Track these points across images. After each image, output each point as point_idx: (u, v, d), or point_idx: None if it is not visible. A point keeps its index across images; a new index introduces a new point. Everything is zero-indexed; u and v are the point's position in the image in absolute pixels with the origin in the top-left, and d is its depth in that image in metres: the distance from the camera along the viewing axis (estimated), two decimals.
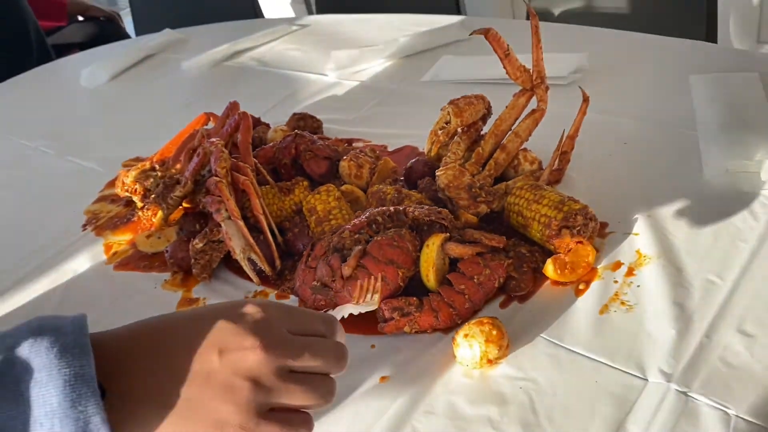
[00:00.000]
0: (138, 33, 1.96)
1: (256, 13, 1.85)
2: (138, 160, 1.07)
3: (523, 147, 0.78)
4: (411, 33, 1.23)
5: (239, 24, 1.58)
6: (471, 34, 0.72)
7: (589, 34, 1.12)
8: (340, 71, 1.17)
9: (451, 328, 0.63)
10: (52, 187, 1.09)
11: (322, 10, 1.74)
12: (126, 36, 2.34)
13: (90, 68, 1.43)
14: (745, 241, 0.64)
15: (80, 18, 2.30)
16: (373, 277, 0.62)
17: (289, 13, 3.26)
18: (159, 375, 0.38)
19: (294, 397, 0.40)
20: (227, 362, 0.39)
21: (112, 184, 1.03)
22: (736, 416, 0.50)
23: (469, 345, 0.58)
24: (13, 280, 0.87)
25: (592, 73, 0.98)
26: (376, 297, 0.60)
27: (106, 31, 2.29)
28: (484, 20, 1.25)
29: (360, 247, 0.65)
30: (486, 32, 0.71)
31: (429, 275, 0.64)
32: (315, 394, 0.41)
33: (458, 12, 1.55)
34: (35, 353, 0.35)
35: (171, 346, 0.39)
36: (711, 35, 1.35)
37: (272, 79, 1.24)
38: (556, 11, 1.50)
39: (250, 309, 0.40)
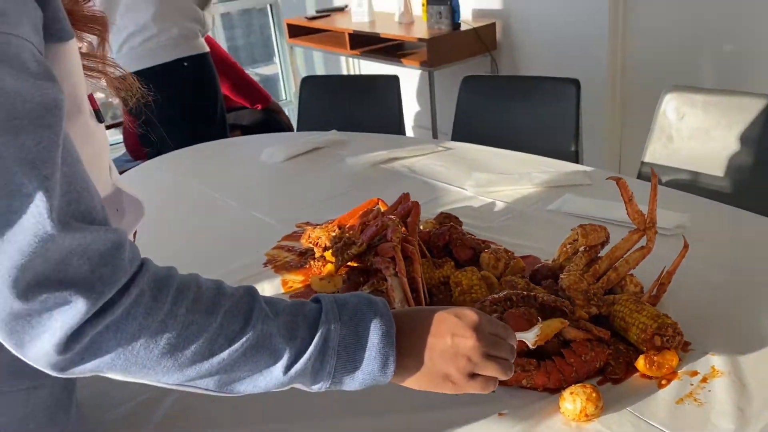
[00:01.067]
0: (299, 129, 2.32)
1: (400, 130, 2.18)
2: (308, 224, 1.34)
3: (630, 273, 0.99)
4: (540, 170, 1.49)
5: (390, 137, 1.90)
6: (607, 179, 0.95)
7: (694, 201, 1.33)
8: (478, 188, 1.43)
9: (557, 389, 0.82)
10: (237, 231, 1.37)
11: (455, 139, 2.04)
12: (284, 130, 2.76)
13: (270, 149, 1.76)
14: None
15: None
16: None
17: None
18: (416, 343, 0.65)
19: (490, 369, 0.66)
20: (454, 343, 0.65)
21: (288, 237, 1.30)
22: None
23: (572, 400, 0.77)
24: None
25: (691, 231, 1.18)
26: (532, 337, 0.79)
27: (270, 121, 2.71)
28: (605, 172, 1.49)
29: (497, 314, 0.87)
30: (618, 180, 0.94)
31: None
32: (501, 369, 0.67)
33: (577, 160, 1.81)
34: (370, 312, 0.64)
35: (424, 326, 0.65)
36: None
37: (419, 185, 1.51)
38: (665, 179, 1.73)
39: (471, 314, 0.66)
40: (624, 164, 3.01)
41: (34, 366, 0.53)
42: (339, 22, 3.69)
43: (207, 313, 0.58)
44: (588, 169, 1.50)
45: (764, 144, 1.59)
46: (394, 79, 2.20)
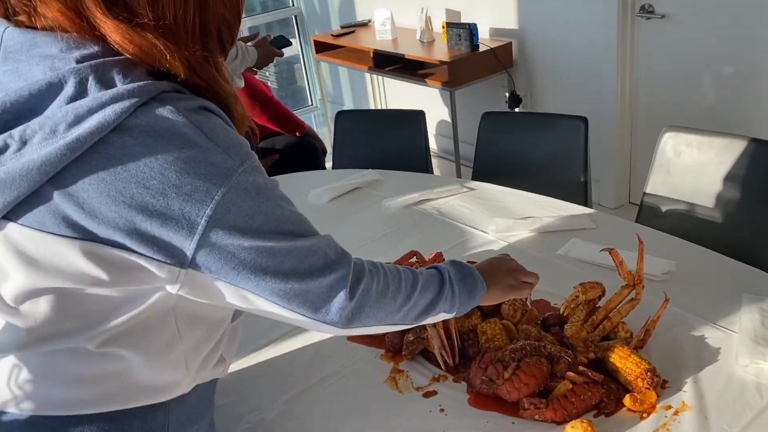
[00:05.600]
0: (335, 160, 2.57)
1: (427, 162, 2.43)
2: None
3: (622, 321, 1.24)
4: (551, 214, 1.73)
5: (421, 176, 2.14)
6: (601, 251, 1.20)
7: (682, 247, 1.56)
8: (498, 233, 1.67)
9: (561, 422, 1.07)
10: None
11: (476, 177, 2.28)
12: (317, 156, 3.01)
13: (317, 190, 2.01)
14: (751, 410, 1.06)
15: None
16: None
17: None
18: (490, 274, 1.11)
19: (530, 278, 1.16)
20: (508, 268, 1.16)
21: None
22: None
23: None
24: (270, 339, 1.39)
25: (677, 276, 1.42)
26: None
27: (305, 145, 2.97)
28: (606, 216, 1.73)
29: (515, 363, 1.12)
30: (610, 250, 1.19)
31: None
32: (534, 280, 1.17)
33: (586, 203, 2.05)
34: (459, 264, 1.07)
35: (491, 266, 1.15)
36: None
37: (447, 228, 1.76)
38: (665, 208, 1.96)
39: (511, 258, 1.19)
40: (633, 191, 3.24)
41: (328, 327, 0.86)
42: (363, 39, 3.92)
43: (397, 277, 0.95)
44: (591, 212, 1.74)
45: (749, 182, 1.81)
46: (420, 115, 2.44)
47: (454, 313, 1.03)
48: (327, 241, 0.85)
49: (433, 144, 4.23)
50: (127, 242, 0.70)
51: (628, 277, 1.22)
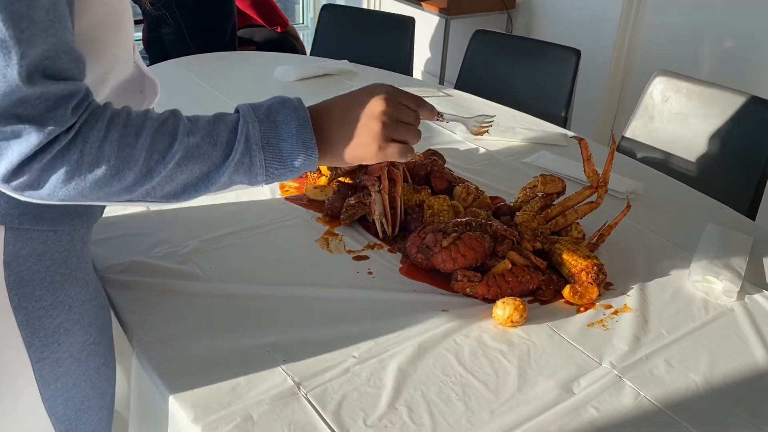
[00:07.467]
0: (312, 53, 2.44)
1: (408, 70, 2.31)
2: None
3: (577, 221, 1.15)
4: (525, 127, 1.64)
5: (398, 76, 2.03)
6: (571, 138, 1.10)
7: (650, 173, 1.49)
8: (466, 135, 1.58)
9: (493, 300, 0.99)
10: None
11: (458, 87, 2.17)
12: (296, 53, 2.87)
13: (284, 67, 1.88)
14: (693, 321, 0.99)
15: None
16: None
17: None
18: (333, 122, 0.74)
19: (402, 133, 0.76)
20: (366, 110, 0.74)
21: None
22: (644, 396, 0.85)
23: (503, 308, 0.94)
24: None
25: (641, 198, 1.34)
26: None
27: (284, 43, 2.82)
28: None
29: (456, 233, 1.03)
30: (581, 139, 1.10)
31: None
32: (411, 133, 0.77)
33: (564, 125, 1.96)
34: (284, 108, 0.71)
35: (339, 105, 0.76)
36: (751, 211, 1.69)
37: None
38: (640, 155, 1.88)
39: (380, 85, 0.77)
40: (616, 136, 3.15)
41: None
42: None
43: (137, 135, 0.64)
44: (568, 132, 1.65)
45: (732, 137, 1.74)
46: (410, 21, 2.31)
47: (261, 185, 0.72)
48: (61, 92, 0.60)
49: (417, 76, 4.09)
50: None
51: (593, 177, 1.14)
